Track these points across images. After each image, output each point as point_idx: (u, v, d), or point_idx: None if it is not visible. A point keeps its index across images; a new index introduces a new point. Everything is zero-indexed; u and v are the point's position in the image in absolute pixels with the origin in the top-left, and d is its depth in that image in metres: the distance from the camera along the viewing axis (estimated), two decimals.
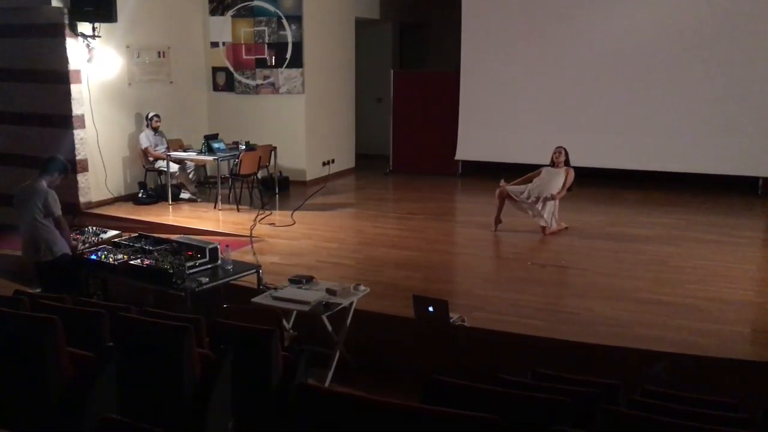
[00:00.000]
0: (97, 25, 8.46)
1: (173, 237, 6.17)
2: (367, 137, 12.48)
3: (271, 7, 10.17)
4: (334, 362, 5.00)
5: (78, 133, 8.61)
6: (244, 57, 10.40)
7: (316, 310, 4.85)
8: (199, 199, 9.40)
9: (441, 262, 7.04)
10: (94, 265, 5.64)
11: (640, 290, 5.89)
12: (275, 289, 5.27)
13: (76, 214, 8.28)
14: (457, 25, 11.09)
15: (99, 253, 5.70)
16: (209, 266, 5.47)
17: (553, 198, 7.55)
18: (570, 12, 10.41)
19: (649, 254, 6.97)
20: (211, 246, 5.59)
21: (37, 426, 3.14)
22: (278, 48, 10.25)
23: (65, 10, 8.28)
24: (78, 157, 8.59)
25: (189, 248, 5.60)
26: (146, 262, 5.43)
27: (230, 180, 9.30)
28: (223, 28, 10.39)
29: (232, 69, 10.50)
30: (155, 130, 9.28)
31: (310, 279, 5.35)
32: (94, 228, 6.60)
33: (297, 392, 2.60)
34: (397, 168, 11.75)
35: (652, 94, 10.13)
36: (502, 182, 7.75)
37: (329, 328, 5.06)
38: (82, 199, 8.71)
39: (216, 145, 9.05)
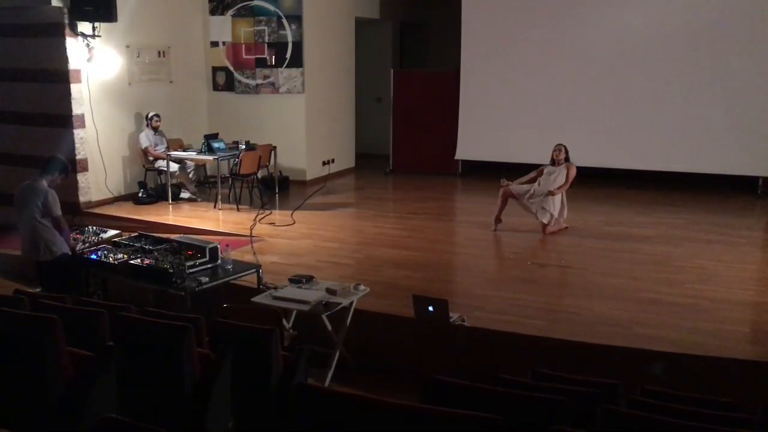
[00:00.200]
0: (97, 24, 8.47)
1: (173, 236, 6.16)
2: (367, 137, 12.49)
3: (271, 7, 10.17)
4: (334, 362, 5.00)
5: (78, 133, 8.61)
6: (244, 57, 10.41)
7: (316, 310, 4.85)
8: (199, 199, 9.41)
9: (441, 261, 7.04)
10: (94, 264, 5.64)
11: (640, 290, 5.89)
12: (275, 288, 5.28)
13: (76, 213, 8.28)
14: (457, 25, 11.09)
15: (99, 252, 5.71)
16: (209, 266, 5.47)
17: (551, 194, 7.55)
18: (570, 11, 10.42)
19: (648, 254, 6.97)
20: (211, 245, 5.60)
21: (37, 426, 3.14)
22: (278, 48, 10.25)
23: (65, 10, 8.28)
24: (78, 157, 8.60)
25: (189, 248, 5.61)
26: (146, 261, 5.43)
27: (230, 179, 9.30)
28: (223, 27, 10.39)
29: (232, 69, 10.50)
30: (155, 129, 9.29)
31: (310, 278, 5.36)
32: (94, 227, 6.61)
33: (297, 392, 2.60)
34: (397, 168, 11.75)
35: (652, 94, 10.13)
36: (504, 181, 7.75)
37: (329, 327, 5.06)
38: (82, 199, 8.71)
39: (216, 145, 9.05)
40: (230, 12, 10.34)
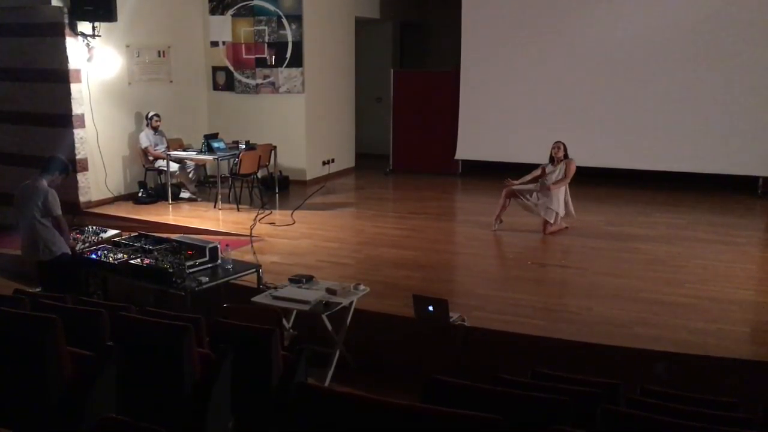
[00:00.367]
0: (97, 24, 8.47)
1: (173, 236, 6.17)
2: (367, 137, 12.49)
3: (271, 7, 10.17)
4: (334, 362, 5.00)
5: (78, 133, 8.61)
6: (244, 56, 10.40)
7: (316, 310, 4.85)
8: (199, 199, 9.41)
9: (441, 261, 7.04)
10: (94, 264, 5.64)
11: (640, 290, 5.89)
12: (275, 288, 5.28)
13: (76, 213, 8.28)
14: (457, 25, 11.09)
15: (99, 252, 5.71)
16: (209, 265, 5.48)
17: (548, 189, 7.55)
18: (570, 11, 10.42)
19: (648, 254, 6.97)
20: (211, 245, 5.60)
21: (37, 425, 3.14)
22: (278, 47, 10.25)
23: (65, 10, 8.28)
24: (78, 157, 8.60)
25: (189, 248, 5.61)
26: (146, 261, 5.43)
27: (230, 179, 9.30)
28: (223, 27, 10.38)
29: (232, 68, 10.50)
30: (155, 129, 9.28)
31: (310, 278, 5.36)
32: (94, 227, 6.61)
33: (297, 392, 2.60)
34: (397, 167, 11.75)
35: (652, 94, 10.13)
36: (509, 181, 7.74)
37: (329, 327, 5.06)
38: (82, 199, 8.71)
39: (216, 145, 9.04)
40: (230, 12, 10.34)
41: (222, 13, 10.37)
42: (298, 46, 10.18)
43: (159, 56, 9.72)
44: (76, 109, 8.56)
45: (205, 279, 5.24)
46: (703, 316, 5.30)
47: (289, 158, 10.24)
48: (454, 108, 11.25)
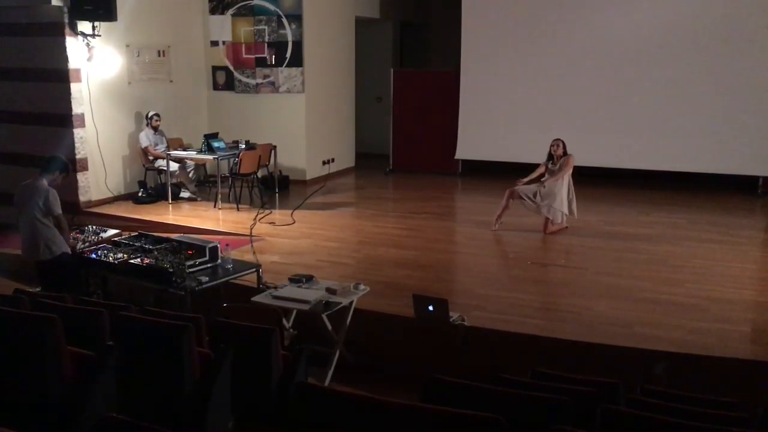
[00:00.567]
0: (97, 24, 8.46)
1: (173, 236, 6.16)
2: (367, 136, 12.49)
3: (271, 6, 10.17)
4: (334, 361, 5.00)
5: (78, 132, 8.61)
6: (244, 56, 10.40)
7: (316, 309, 4.85)
8: (198, 198, 9.40)
9: (441, 261, 7.04)
10: (94, 263, 5.64)
11: (639, 289, 5.90)
12: (275, 288, 5.28)
13: (76, 213, 8.28)
14: (457, 24, 11.09)
15: (99, 252, 5.71)
16: (209, 265, 5.48)
17: (542, 184, 7.56)
18: (570, 11, 10.42)
19: (648, 253, 6.97)
20: (211, 245, 5.60)
21: (37, 425, 3.14)
22: (278, 47, 10.25)
23: (65, 9, 8.27)
24: (78, 156, 8.59)
25: (189, 247, 5.61)
26: (146, 261, 5.43)
27: (230, 179, 9.30)
28: (223, 27, 10.38)
29: (232, 68, 10.49)
30: (155, 129, 9.28)
31: (310, 278, 5.36)
32: (94, 227, 6.61)
33: (297, 391, 2.60)
34: (397, 167, 11.75)
35: (651, 94, 10.13)
36: (521, 181, 7.73)
37: (329, 327, 5.06)
38: (82, 198, 8.71)
39: (216, 144, 9.04)
40: (230, 11, 10.34)
41: (222, 13, 10.37)
42: (298, 45, 10.18)
43: (159, 56, 9.72)
44: (76, 108, 8.56)
45: (205, 279, 5.24)
46: (703, 316, 5.30)
47: (289, 158, 10.24)
48: (454, 108, 11.25)
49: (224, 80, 10.57)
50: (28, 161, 8.14)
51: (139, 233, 6.24)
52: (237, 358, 3.37)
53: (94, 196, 8.89)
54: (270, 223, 8.19)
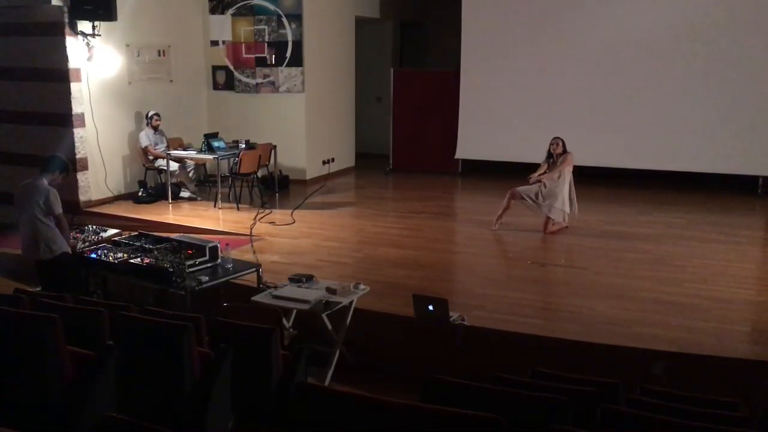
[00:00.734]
0: (97, 23, 8.46)
1: (173, 236, 6.16)
2: (367, 136, 12.49)
3: (271, 6, 10.17)
4: (334, 361, 5.00)
5: (78, 132, 8.61)
6: (244, 56, 10.40)
7: (316, 309, 4.85)
8: (199, 198, 9.40)
9: (441, 261, 7.04)
10: (94, 263, 5.64)
11: (639, 289, 5.90)
12: (275, 287, 5.27)
13: (76, 212, 8.28)
14: (457, 24, 11.09)
15: (99, 251, 5.71)
16: (209, 265, 5.48)
17: (538, 181, 7.56)
18: (570, 11, 10.42)
19: (648, 253, 6.97)
20: (211, 245, 5.60)
21: (37, 424, 3.14)
22: (278, 47, 10.24)
23: (65, 9, 8.28)
24: (78, 156, 8.59)
25: (189, 247, 5.61)
26: (146, 260, 5.43)
27: (230, 179, 9.30)
28: (223, 26, 10.38)
29: (232, 68, 10.49)
30: (155, 128, 9.28)
31: (310, 278, 5.36)
32: (94, 226, 6.60)
33: (297, 391, 2.61)
34: (397, 167, 11.75)
35: (651, 93, 10.13)
36: (532, 178, 7.70)
37: (329, 326, 5.07)
38: (82, 198, 8.71)
39: (216, 144, 9.04)
40: (230, 11, 10.33)
41: (222, 13, 10.37)
42: (298, 45, 10.18)
43: (159, 55, 9.72)
44: (76, 108, 8.56)
45: (205, 278, 5.24)
46: (703, 316, 5.30)
47: (289, 157, 10.24)
48: (454, 107, 11.25)
49: (224, 80, 10.57)
50: (28, 161, 8.13)
51: (139, 233, 6.24)
52: (237, 357, 3.37)
53: (94, 195, 8.89)
54: (270, 223, 8.19)
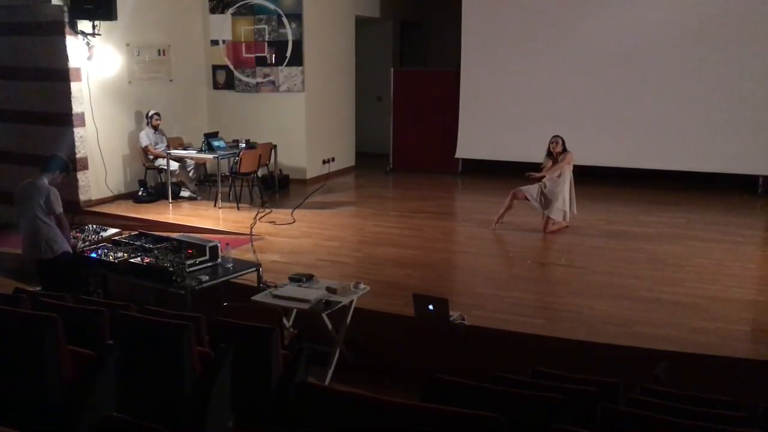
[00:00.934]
0: (97, 23, 8.46)
1: (173, 235, 6.16)
2: (367, 135, 12.48)
3: (271, 5, 10.16)
4: (334, 360, 5.01)
5: (78, 131, 8.61)
6: (244, 55, 10.40)
7: (316, 309, 4.85)
8: (199, 198, 9.40)
9: (441, 260, 7.04)
10: (95, 263, 5.64)
11: (639, 289, 5.90)
12: (275, 287, 5.27)
13: (76, 212, 8.28)
14: (457, 24, 11.08)
15: (99, 251, 5.71)
16: (209, 264, 5.48)
17: (536, 179, 7.59)
18: (570, 10, 10.41)
19: (648, 253, 6.97)
20: (211, 244, 5.60)
21: (37, 424, 3.14)
22: (278, 46, 10.24)
23: (65, 8, 8.28)
24: (78, 155, 8.59)
25: (189, 246, 5.60)
26: (146, 260, 5.43)
27: (230, 178, 9.30)
28: (223, 26, 10.38)
29: (232, 67, 10.49)
30: (155, 128, 9.28)
31: (310, 277, 5.36)
32: (94, 226, 6.60)
33: (297, 390, 2.61)
34: (397, 166, 11.75)
35: (651, 93, 10.13)
36: (533, 174, 7.72)
37: (329, 326, 5.07)
38: (82, 197, 8.71)
39: (216, 144, 9.04)
40: (230, 10, 10.33)
41: (222, 12, 10.37)
42: (298, 44, 10.18)
43: (159, 55, 9.72)
44: (77, 107, 8.55)
45: (205, 278, 5.24)
46: (704, 315, 5.30)
47: (289, 157, 10.24)
48: (454, 107, 11.25)
49: (224, 79, 10.57)
50: (28, 160, 8.13)
51: (140, 232, 6.24)
52: (237, 357, 3.37)
53: (94, 195, 8.89)
54: (270, 223, 8.19)
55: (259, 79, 10.41)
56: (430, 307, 5.09)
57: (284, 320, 4.84)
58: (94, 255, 5.66)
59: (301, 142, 10.46)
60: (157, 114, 9.26)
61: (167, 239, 5.90)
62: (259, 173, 9.52)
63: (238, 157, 8.93)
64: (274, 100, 10.40)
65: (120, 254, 5.60)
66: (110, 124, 9.02)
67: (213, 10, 10.40)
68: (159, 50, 9.71)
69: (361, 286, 5.23)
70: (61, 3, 8.26)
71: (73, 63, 8.43)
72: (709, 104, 9.87)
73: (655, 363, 4.57)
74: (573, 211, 7.76)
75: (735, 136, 9.79)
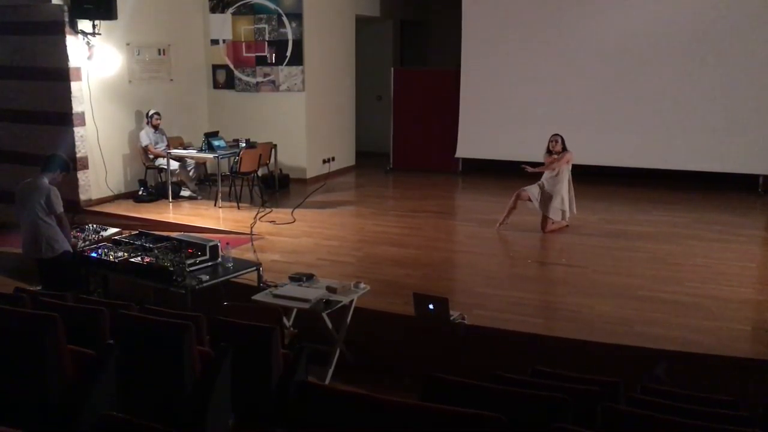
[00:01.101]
0: (97, 22, 8.46)
1: (173, 234, 6.17)
2: (368, 135, 12.48)
3: (271, 5, 10.16)
4: (334, 360, 5.01)
5: (78, 131, 8.61)
6: (245, 54, 10.40)
7: (317, 308, 4.85)
8: (199, 197, 9.40)
9: (441, 259, 7.04)
10: (95, 262, 5.64)
11: (640, 288, 5.90)
12: (275, 286, 5.28)
13: (77, 211, 8.28)
14: (457, 23, 11.08)
15: (99, 250, 5.71)
16: (209, 264, 5.48)
17: (533, 171, 7.60)
18: (571, 9, 10.41)
19: (649, 252, 6.97)
20: (211, 244, 5.60)
21: (38, 423, 3.14)
22: (278, 45, 10.24)
23: (65, 8, 8.27)
24: (78, 155, 8.59)
25: (189, 246, 5.61)
26: (147, 259, 5.43)
27: (230, 178, 9.30)
28: (223, 25, 10.38)
29: (232, 67, 10.49)
30: (155, 127, 9.28)
31: (310, 277, 5.36)
32: (95, 225, 6.60)
33: (297, 390, 2.61)
34: (397, 166, 11.74)
35: (652, 92, 10.12)
36: (529, 168, 7.73)
37: (329, 325, 5.07)
38: (83, 197, 8.71)
39: (216, 143, 9.04)
40: (230, 10, 10.33)
41: (222, 11, 10.37)
42: (298, 44, 10.17)
43: (159, 54, 9.72)
44: (77, 107, 8.56)
45: (205, 277, 5.24)
46: (704, 315, 5.30)
47: (290, 156, 10.24)
48: (454, 106, 11.24)
49: (224, 79, 10.57)
50: (28, 160, 8.13)
51: (140, 232, 6.24)
52: (237, 356, 3.37)
53: (95, 194, 8.90)
54: (270, 222, 8.19)
55: (260, 79, 10.41)
56: (431, 306, 5.09)
57: (284, 320, 4.84)
58: (94, 254, 5.66)
59: (302, 142, 10.46)
60: (158, 113, 9.26)
61: (167, 239, 5.90)
62: (260, 173, 9.53)
63: (238, 156, 8.93)
64: (274, 100, 10.40)
65: (120, 254, 5.60)
66: (110, 123, 9.02)
67: (213, 10, 10.39)
68: (159, 50, 9.70)
69: (362, 285, 5.23)
70: (61, 2, 8.26)
71: (73, 62, 8.43)
72: (709, 104, 9.86)
73: (655, 363, 4.57)
74: (573, 211, 7.76)
75: (735, 135, 9.78)
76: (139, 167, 9.42)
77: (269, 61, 10.31)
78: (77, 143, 8.59)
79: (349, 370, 5.07)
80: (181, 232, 6.94)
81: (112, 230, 6.46)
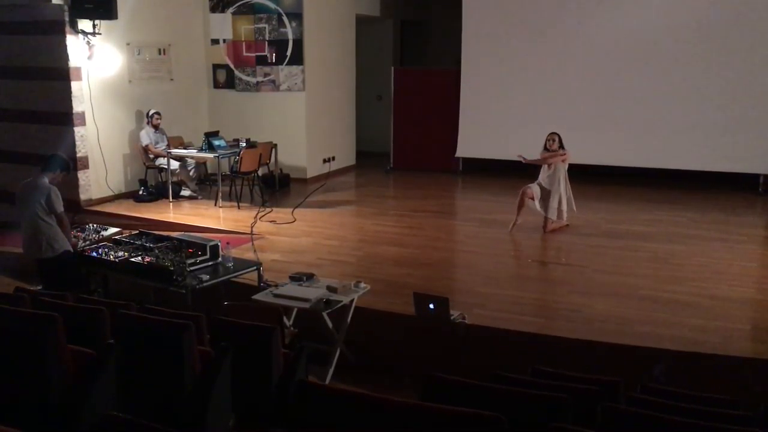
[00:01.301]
0: (97, 22, 8.46)
1: (174, 234, 6.17)
2: (368, 134, 12.48)
3: (271, 4, 10.16)
4: (335, 360, 5.01)
5: (78, 131, 8.61)
6: (245, 54, 10.40)
7: (317, 308, 4.85)
8: (199, 197, 9.40)
9: (441, 259, 7.04)
10: (95, 262, 5.64)
11: (640, 288, 5.89)
12: (276, 286, 5.28)
13: (77, 211, 8.28)
14: (457, 22, 11.08)
15: (100, 250, 5.71)
16: (210, 263, 5.48)
17: (526, 161, 7.63)
18: (571, 9, 10.40)
19: (649, 251, 6.97)
20: (211, 243, 5.60)
21: (38, 423, 3.14)
22: (279, 45, 10.24)
23: (66, 8, 8.28)
24: (78, 155, 8.59)
25: (190, 245, 5.61)
26: (147, 259, 5.43)
27: (231, 177, 9.30)
28: (223, 25, 10.38)
29: (232, 66, 10.49)
30: (156, 127, 9.28)
31: (310, 276, 5.36)
32: (95, 225, 6.61)
33: (297, 389, 2.60)
34: (397, 165, 11.74)
35: (652, 92, 10.12)
36: (524, 159, 7.72)
37: (330, 325, 5.07)
38: (83, 197, 8.71)
39: (216, 143, 9.04)
40: (231, 9, 10.33)
41: (222, 11, 10.36)
42: (298, 43, 10.17)
43: (159, 54, 9.72)
44: (77, 107, 8.56)
45: (205, 277, 5.24)
46: (704, 314, 5.30)
47: (290, 156, 10.24)
48: (454, 106, 11.24)
49: (225, 78, 10.57)
50: (28, 159, 8.14)
51: (140, 231, 6.24)
52: (237, 356, 3.37)
53: (95, 194, 8.90)
54: (271, 222, 8.19)
55: (260, 78, 10.41)
56: (431, 306, 5.09)
57: (285, 319, 4.84)
58: (94, 254, 5.66)
59: (302, 141, 10.46)
60: (158, 113, 9.26)
61: (168, 238, 5.91)
62: (260, 172, 9.53)
63: (238, 156, 8.94)
64: (274, 99, 10.40)
65: (120, 253, 5.60)
66: (111, 123, 9.02)
67: (213, 9, 10.40)
68: (159, 49, 9.71)
69: (362, 285, 5.23)
70: (61, 2, 8.26)
71: (73, 62, 8.44)
72: (709, 103, 9.86)
73: (655, 362, 4.57)
74: (573, 209, 7.75)
75: (735, 135, 9.78)
76: (139, 167, 9.42)
77: (269, 61, 10.31)
78: (77, 143, 8.59)
79: (349, 369, 5.07)
80: (181, 231, 6.94)
81: (112, 230, 6.46)
